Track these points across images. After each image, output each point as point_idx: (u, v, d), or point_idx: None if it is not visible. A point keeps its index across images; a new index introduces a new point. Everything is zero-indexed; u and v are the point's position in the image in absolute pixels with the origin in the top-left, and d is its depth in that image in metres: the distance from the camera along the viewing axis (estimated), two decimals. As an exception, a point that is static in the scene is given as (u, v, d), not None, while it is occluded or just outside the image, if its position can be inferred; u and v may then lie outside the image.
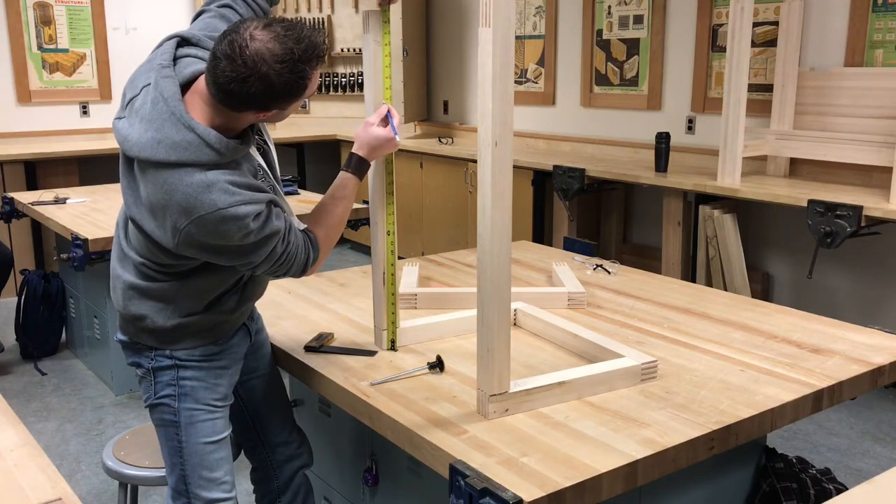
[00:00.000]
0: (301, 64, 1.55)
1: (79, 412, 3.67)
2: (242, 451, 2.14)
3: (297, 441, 2.11)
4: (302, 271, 1.77)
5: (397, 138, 1.83)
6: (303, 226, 1.78)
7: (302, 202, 3.97)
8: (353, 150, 1.84)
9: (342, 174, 1.84)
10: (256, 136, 1.75)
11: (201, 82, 1.60)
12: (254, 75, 1.51)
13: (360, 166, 1.84)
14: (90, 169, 5.58)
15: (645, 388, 1.73)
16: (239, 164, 1.64)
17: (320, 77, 6.81)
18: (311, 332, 2.06)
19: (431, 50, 6.50)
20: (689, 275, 4.17)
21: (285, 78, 1.54)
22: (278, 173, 1.83)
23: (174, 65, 1.64)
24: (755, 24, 4.11)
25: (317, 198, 4.12)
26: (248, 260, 1.66)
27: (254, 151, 1.73)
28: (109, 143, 5.47)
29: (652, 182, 4.22)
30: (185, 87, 1.62)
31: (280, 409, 2.09)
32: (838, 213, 3.36)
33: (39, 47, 5.85)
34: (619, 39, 5.02)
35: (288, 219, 1.71)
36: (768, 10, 4.20)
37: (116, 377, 3.82)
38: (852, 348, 1.95)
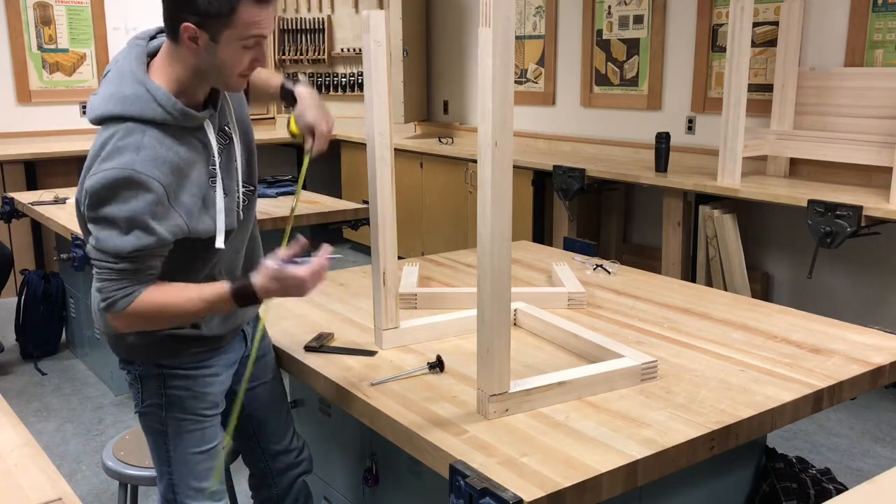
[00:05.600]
0: None
1: (79, 412, 3.67)
2: (241, 456, 2.11)
3: (297, 449, 2.08)
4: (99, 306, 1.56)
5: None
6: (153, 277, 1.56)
7: (302, 202, 3.95)
8: (254, 279, 1.58)
9: (223, 286, 1.58)
10: (225, 129, 1.70)
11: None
12: None
13: (242, 293, 1.58)
14: (90, 169, 5.58)
15: (645, 388, 1.73)
16: (191, 144, 1.57)
17: (319, 77, 6.83)
18: (311, 332, 2.06)
19: (431, 50, 6.50)
20: (689, 275, 4.17)
21: None
22: (236, 166, 1.70)
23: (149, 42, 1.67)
24: (755, 24, 4.11)
25: (316, 197, 4.11)
26: (94, 233, 1.51)
27: (212, 139, 1.64)
28: (109, 143, 5.47)
29: (652, 182, 4.22)
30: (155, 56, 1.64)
31: (281, 417, 2.06)
32: (838, 213, 3.36)
33: (39, 47, 5.85)
34: (619, 39, 5.01)
35: (154, 263, 1.53)
36: (768, 10, 4.19)
37: (116, 377, 3.81)
38: (852, 348, 1.95)
